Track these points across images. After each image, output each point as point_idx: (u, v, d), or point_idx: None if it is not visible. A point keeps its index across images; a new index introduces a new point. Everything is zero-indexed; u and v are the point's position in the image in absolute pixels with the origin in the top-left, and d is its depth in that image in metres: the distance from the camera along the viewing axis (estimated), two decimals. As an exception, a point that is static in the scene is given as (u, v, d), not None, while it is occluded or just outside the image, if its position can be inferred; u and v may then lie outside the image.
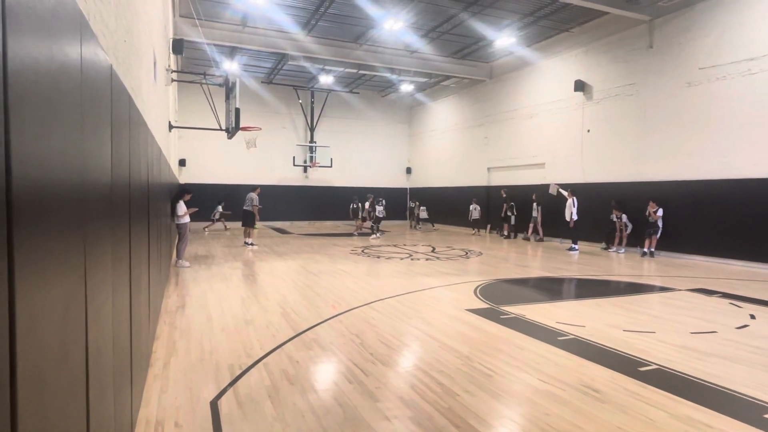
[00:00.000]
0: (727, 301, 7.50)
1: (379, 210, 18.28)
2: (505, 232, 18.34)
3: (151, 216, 4.90)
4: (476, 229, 20.16)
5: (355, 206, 19.21)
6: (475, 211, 19.90)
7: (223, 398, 3.71)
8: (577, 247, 14.30)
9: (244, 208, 14.69)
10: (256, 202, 14.65)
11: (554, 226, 16.13)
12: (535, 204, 16.97)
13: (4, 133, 0.94)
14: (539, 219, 16.98)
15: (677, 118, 12.96)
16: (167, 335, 5.38)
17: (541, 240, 17.04)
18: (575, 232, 14.45)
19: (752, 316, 6.49)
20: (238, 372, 4.26)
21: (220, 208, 19.88)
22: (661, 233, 12.82)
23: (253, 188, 15.36)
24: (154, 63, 6.48)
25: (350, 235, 19.15)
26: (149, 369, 4.31)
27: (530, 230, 17.40)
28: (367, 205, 18.84)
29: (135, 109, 3.47)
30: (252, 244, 14.50)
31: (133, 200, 3.23)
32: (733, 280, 9.51)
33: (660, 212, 12.78)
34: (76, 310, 1.52)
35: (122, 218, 2.72)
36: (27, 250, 1.06)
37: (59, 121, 1.36)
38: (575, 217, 14.35)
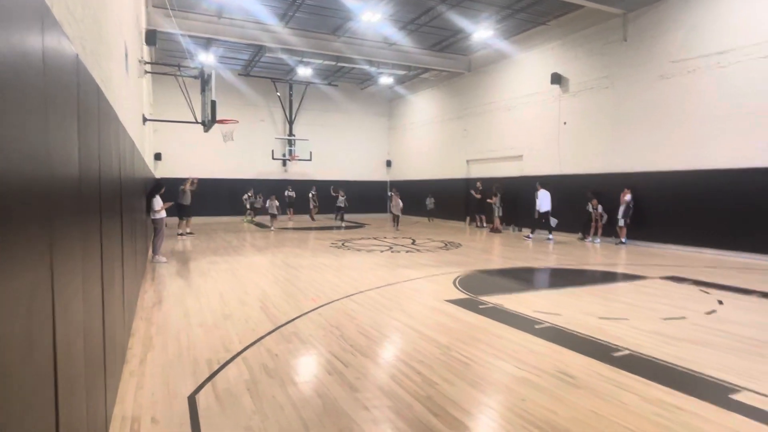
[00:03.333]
0: (697, 288, 7.72)
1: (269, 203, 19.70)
2: (483, 224, 18.50)
3: (125, 211, 4.81)
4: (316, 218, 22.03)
5: (250, 197, 21.34)
6: (342, 202, 21.04)
7: (201, 393, 3.68)
8: (552, 237, 14.54)
9: (180, 201, 15.65)
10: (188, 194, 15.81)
11: (528, 216, 16.34)
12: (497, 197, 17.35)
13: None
14: (497, 211, 17.46)
15: (651, 111, 13.22)
16: (144, 331, 5.31)
17: (494, 230, 17.54)
18: (541, 223, 14.80)
19: (720, 302, 6.71)
20: (217, 366, 4.23)
21: (277, 203, 19.33)
22: (632, 221, 13.15)
23: (182, 182, 16.20)
24: (126, 54, 6.33)
25: (331, 228, 19.10)
26: (125, 365, 4.25)
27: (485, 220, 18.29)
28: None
29: (105, 100, 3.40)
30: (190, 233, 15.97)
31: (104, 194, 3.16)
32: (704, 267, 9.80)
33: (628, 197, 13.09)
34: (42, 302, 1.48)
35: (92, 213, 2.66)
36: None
37: (20, 111, 1.33)
38: (544, 209, 14.59)
